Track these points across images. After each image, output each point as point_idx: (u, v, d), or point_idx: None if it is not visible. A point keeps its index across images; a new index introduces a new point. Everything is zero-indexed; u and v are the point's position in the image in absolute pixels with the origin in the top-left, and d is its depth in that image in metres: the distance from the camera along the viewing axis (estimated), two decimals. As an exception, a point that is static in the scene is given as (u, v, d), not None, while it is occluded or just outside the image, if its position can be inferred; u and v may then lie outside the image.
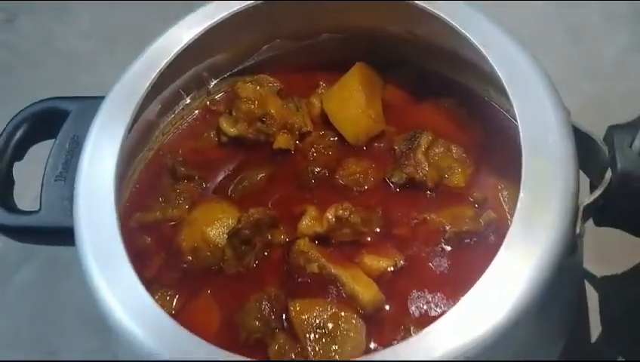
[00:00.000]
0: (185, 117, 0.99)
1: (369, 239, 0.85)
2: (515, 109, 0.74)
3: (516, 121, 0.82)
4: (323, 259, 0.82)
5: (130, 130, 0.79)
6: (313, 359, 0.76)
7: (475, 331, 0.64)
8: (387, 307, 0.80)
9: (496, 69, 0.79)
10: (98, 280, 0.70)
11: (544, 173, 0.69)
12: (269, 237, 0.86)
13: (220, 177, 0.93)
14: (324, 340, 0.77)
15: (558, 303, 0.74)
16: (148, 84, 0.80)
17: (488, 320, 0.64)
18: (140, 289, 0.70)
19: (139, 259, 0.86)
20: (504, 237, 0.81)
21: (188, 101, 0.98)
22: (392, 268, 0.82)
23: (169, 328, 0.67)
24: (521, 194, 0.68)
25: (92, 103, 0.80)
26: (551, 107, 0.74)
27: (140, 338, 0.67)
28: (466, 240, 0.84)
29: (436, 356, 0.62)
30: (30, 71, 1.41)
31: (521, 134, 0.72)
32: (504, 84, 0.78)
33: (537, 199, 0.68)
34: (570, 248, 0.71)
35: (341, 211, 0.84)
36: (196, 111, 1.00)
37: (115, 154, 0.75)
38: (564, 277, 0.71)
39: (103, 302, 0.69)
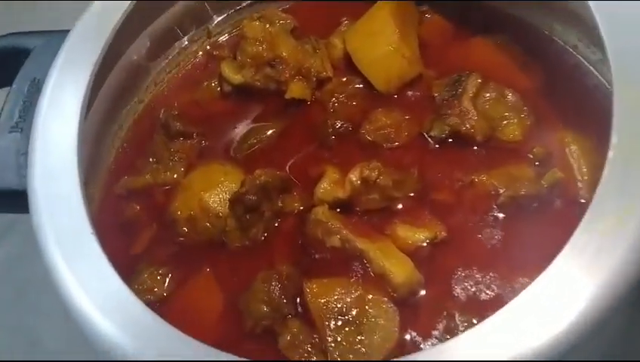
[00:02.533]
0: (182, 63, 0.85)
1: (402, 206, 0.71)
2: (599, 23, 0.56)
3: (587, 58, 0.65)
4: (346, 231, 0.68)
5: (100, 70, 0.64)
6: (333, 351, 0.61)
7: (549, 326, 0.48)
8: (425, 289, 0.66)
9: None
10: (57, 262, 0.56)
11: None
12: (280, 204, 0.71)
13: (223, 134, 0.79)
14: (347, 329, 0.63)
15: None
16: (123, 12, 0.65)
17: (568, 312, 0.48)
18: (111, 275, 0.55)
19: (126, 231, 0.74)
20: (574, 202, 0.64)
21: (185, 43, 0.84)
22: (430, 241, 0.68)
23: (149, 325, 0.53)
24: (614, 140, 0.51)
25: (57, 39, 0.65)
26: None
27: (114, 338, 0.53)
28: (524, 206, 0.68)
29: (499, 356, 0.46)
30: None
31: (610, 59, 0.54)
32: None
33: (636, 148, 0.50)
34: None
35: (368, 172, 0.69)
36: (196, 57, 0.85)
37: (80, 100, 0.61)
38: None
39: (64, 290, 0.55)
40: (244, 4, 0.85)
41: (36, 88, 0.65)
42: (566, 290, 0.49)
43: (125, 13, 0.65)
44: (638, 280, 0.50)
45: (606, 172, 0.51)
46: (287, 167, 0.75)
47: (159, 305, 0.68)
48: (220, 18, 0.85)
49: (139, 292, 0.68)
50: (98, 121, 0.72)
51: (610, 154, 0.52)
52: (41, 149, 0.59)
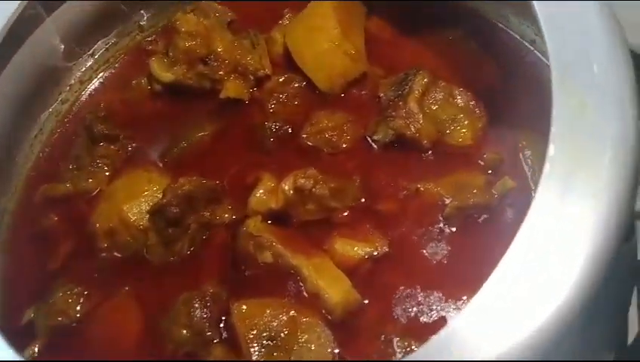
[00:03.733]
0: (111, 60, 0.77)
1: (342, 217, 0.65)
2: (542, 22, 0.50)
3: (544, 53, 0.59)
4: (279, 245, 0.62)
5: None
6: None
7: (491, 347, 0.42)
8: (363, 310, 0.59)
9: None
10: None
11: (586, 117, 0.46)
12: (208, 215, 0.65)
13: (152, 137, 0.73)
14: (275, 354, 0.58)
15: (604, 311, 0.52)
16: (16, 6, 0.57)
17: (512, 331, 0.42)
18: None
19: (42, 244, 0.67)
20: (526, 212, 0.58)
21: (114, 39, 0.76)
22: (371, 256, 0.62)
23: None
24: (551, 150, 0.45)
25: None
26: (598, 22, 0.49)
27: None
28: (473, 218, 0.62)
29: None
30: None
31: (551, 59, 0.48)
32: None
33: (576, 156, 0.45)
34: (625, 232, 0.48)
35: (302, 180, 0.63)
36: (126, 53, 0.78)
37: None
38: (615, 273, 0.48)
39: None
40: (175, -4, 0.78)
41: None
42: (509, 308, 0.44)
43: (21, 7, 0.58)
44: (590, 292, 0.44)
45: (541, 186, 0.45)
46: (220, 174, 0.69)
47: (73, 327, 0.62)
48: (150, 12, 0.78)
49: (50, 314, 0.62)
50: (8, 127, 0.65)
51: (546, 165, 0.45)
52: None
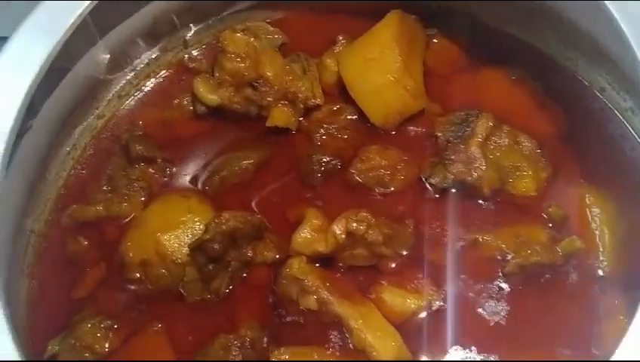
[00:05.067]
0: (151, 75, 0.73)
1: (393, 265, 0.60)
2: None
3: (615, 104, 0.56)
4: (325, 291, 0.58)
5: (43, 83, 0.53)
6: None
7: None
8: (414, 369, 0.55)
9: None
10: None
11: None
12: (250, 254, 0.61)
13: (192, 161, 0.68)
14: (318, 413, 0.53)
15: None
16: (75, 16, 0.53)
17: None
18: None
19: (69, 269, 0.63)
20: (593, 276, 0.55)
21: (156, 54, 0.72)
22: (423, 310, 0.57)
23: None
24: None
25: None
26: None
27: None
28: (534, 277, 0.59)
29: None
30: None
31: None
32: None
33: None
34: None
35: (355, 224, 0.59)
36: (168, 69, 0.74)
37: (14, 115, 0.50)
38: None
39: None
40: (225, 13, 0.73)
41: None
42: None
43: (80, 17, 0.54)
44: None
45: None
46: (263, 207, 0.64)
47: (100, 364, 0.58)
48: (199, 26, 0.74)
49: (76, 349, 0.58)
50: (44, 141, 0.62)
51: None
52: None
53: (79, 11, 0.54)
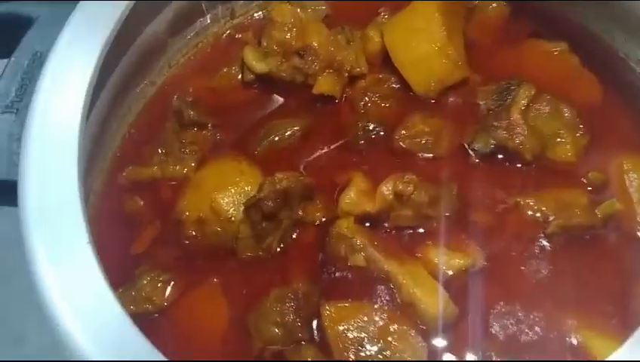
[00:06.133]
0: (200, 45, 0.76)
1: (437, 226, 0.63)
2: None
3: None
4: (372, 249, 0.61)
5: (113, 46, 0.56)
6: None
7: None
8: (459, 323, 0.58)
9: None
10: (44, 270, 0.48)
11: None
12: (301, 213, 0.63)
13: (241, 127, 0.71)
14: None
15: None
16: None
17: None
18: (105, 290, 0.48)
19: (127, 227, 0.66)
20: (632, 238, 0.58)
21: (207, 22, 0.75)
22: (468, 269, 0.60)
23: (137, 350, 0.45)
24: None
25: (65, 7, 0.57)
26: None
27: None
28: (575, 238, 0.61)
29: None
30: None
31: None
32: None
33: None
34: None
35: (402, 185, 0.61)
36: (216, 38, 0.76)
37: (87, 80, 0.53)
38: None
39: (48, 301, 0.48)
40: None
41: (38, 63, 0.57)
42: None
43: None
44: None
45: None
46: (311, 171, 0.67)
47: (157, 316, 0.61)
48: (248, -2, 0.76)
49: (137, 300, 0.61)
50: (105, 103, 0.64)
51: None
52: (37, 136, 0.51)
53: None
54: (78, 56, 0.54)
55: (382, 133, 0.69)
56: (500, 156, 0.65)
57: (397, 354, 0.56)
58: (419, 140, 0.67)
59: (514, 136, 0.64)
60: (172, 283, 0.62)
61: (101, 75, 0.55)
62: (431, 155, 0.67)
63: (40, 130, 0.51)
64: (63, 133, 0.51)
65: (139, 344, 0.48)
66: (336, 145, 0.69)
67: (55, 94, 0.52)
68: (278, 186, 0.61)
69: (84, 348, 0.47)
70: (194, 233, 0.64)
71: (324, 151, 0.69)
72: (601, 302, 0.58)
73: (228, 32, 0.77)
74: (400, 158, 0.67)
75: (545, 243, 0.61)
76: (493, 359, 0.55)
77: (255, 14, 0.78)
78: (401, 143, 0.68)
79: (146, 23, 0.64)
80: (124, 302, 0.61)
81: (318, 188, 0.66)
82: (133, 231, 0.66)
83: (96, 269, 0.49)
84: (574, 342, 0.56)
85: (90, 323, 0.48)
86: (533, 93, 0.65)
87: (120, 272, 0.65)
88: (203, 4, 0.71)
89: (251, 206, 0.61)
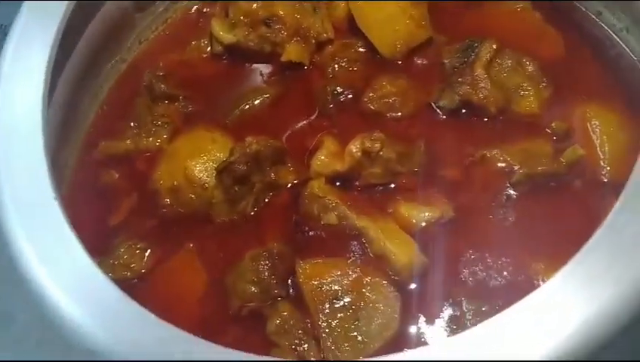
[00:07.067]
0: (169, 20, 0.77)
1: (406, 182, 0.65)
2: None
3: (611, 26, 0.60)
4: (344, 207, 0.62)
5: (75, 18, 0.57)
6: (327, 338, 0.55)
7: (574, 322, 0.42)
8: (429, 273, 0.59)
9: None
10: (16, 233, 0.49)
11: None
12: (273, 176, 0.65)
13: (212, 98, 0.72)
14: (342, 314, 0.58)
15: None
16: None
17: (596, 307, 0.42)
18: (76, 249, 0.49)
19: (104, 200, 0.67)
20: (596, 182, 0.59)
21: (172, -1, 0.76)
22: (437, 221, 0.62)
23: (121, 309, 0.46)
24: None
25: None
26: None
27: (83, 326, 0.47)
28: (540, 186, 0.62)
29: (515, 356, 0.40)
30: None
31: None
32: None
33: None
34: None
35: (369, 143, 0.63)
36: (185, 13, 0.78)
37: (49, 51, 0.54)
38: None
39: (24, 266, 0.49)
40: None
41: (3, 35, 0.58)
42: (595, 282, 0.43)
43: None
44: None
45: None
46: (282, 136, 0.68)
47: (136, 282, 0.63)
48: (211, -29, 0.77)
49: (115, 268, 0.63)
50: (74, 79, 0.65)
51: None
52: (1, 107, 0.52)
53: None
54: (39, 29, 0.55)
55: (350, 97, 0.70)
56: (466, 111, 0.67)
57: (370, 305, 0.57)
58: (387, 101, 0.69)
59: (478, 91, 0.65)
60: (149, 250, 0.63)
61: (63, 48, 0.56)
62: (399, 114, 0.68)
63: (3, 103, 0.52)
64: (27, 105, 0.52)
65: (124, 305, 0.49)
66: (307, 110, 0.71)
67: (18, 67, 0.53)
68: (248, 150, 0.62)
69: (70, 316, 0.48)
70: (169, 201, 0.65)
71: (294, 117, 0.70)
72: (567, 245, 0.59)
73: (196, 6, 0.78)
74: (369, 120, 0.69)
75: (511, 192, 0.62)
76: (464, 304, 0.57)
77: (221, -13, 0.79)
78: (369, 105, 0.69)
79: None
80: (103, 270, 0.62)
81: (290, 152, 0.67)
82: (111, 204, 0.67)
83: (64, 227, 0.50)
84: (541, 284, 0.57)
85: (73, 289, 0.49)
86: (494, 48, 0.67)
87: (99, 243, 0.66)
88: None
89: (223, 170, 0.62)
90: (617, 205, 0.45)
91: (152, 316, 0.46)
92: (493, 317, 0.43)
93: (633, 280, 0.42)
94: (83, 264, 0.49)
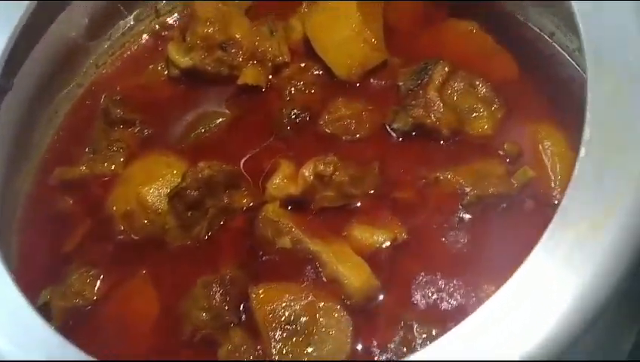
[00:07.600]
0: (127, 44, 0.77)
1: (361, 205, 0.65)
2: (577, 11, 0.50)
3: (564, 47, 0.60)
4: (297, 231, 0.62)
5: (21, 40, 0.56)
6: (278, 362, 0.55)
7: (519, 339, 0.42)
8: (382, 296, 0.60)
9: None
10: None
11: (620, 103, 0.46)
12: (227, 200, 0.65)
13: (169, 122, 0.73)
14: (294, 339, 0.58)
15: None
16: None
17: (540, 325, 0.42)
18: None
19: (57, 226, 0.66)
20: (547, 203, 0.59)
21: (131, 22, 0.76)
22: (390, 244, 0.62)
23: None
24: (586, 134, 0.45)
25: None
26: (634, 10, 0.50)
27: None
28: (492, 207, 0.62)
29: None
30: None
31: (585, 44, 0.49)
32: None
33: (612, 140, 0.45)
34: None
35: (322, 166, 0.63)
36: (142, 37, 0.78)
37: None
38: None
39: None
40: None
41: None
42: (536, 302, 0.44)
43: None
44: (615, 288, 0.44)
45: (577, 170, 0.46)
46: (238, 160, 0.68)
47: (89, 309, 0.62)
48: (168, -4, 0.77)
49: (66, 296, 0.62)
50: (27, 104, 0.65)
51: (582, 151, 0.46)
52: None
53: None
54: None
55: (307, 119, 0.70)
56: (420, 133, 0.67)
57: (323, 329, 0.57)
58: (342, 123, 0.69)
59: (431, 114, 0.66)
60: (101, 276, 0.63)
61: (5, 74, 0.56)
62: (354, 137, 0.69)
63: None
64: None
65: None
66: (264, 133, 0.71)
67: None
68: (200, 175, 0.62)
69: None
70: (123, 227, 0.65)
71: (251, 139, 0.70)
72: (518, 267, 0.59)
73: (154, 30, 0.78)
74: (325, 143, 0.69)
75: (463, 214, 0.62)
76: (415, 328, 0.57)
77: (179, 11, 0.79)
78: (325, 128, 0.69)
79: (56, 22, 0.64)
80: (54, 297, 0.62)
81: (246, 175, 0.67)
82: (65, 230, 0.67)
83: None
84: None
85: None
86: (447, 70, 0.67)
87: (52, 271, 0.65)
88: (120, 6, 0.72)
89: (174, 196, 0.62)
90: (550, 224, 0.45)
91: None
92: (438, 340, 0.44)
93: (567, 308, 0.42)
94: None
